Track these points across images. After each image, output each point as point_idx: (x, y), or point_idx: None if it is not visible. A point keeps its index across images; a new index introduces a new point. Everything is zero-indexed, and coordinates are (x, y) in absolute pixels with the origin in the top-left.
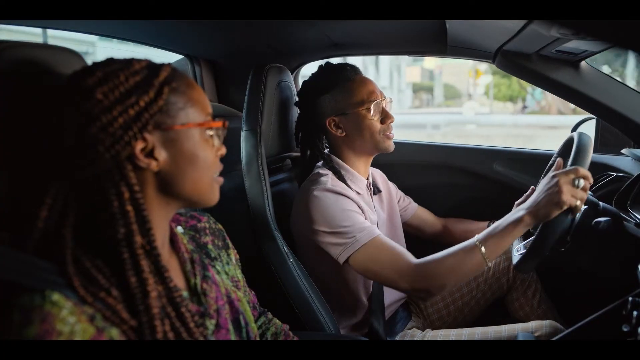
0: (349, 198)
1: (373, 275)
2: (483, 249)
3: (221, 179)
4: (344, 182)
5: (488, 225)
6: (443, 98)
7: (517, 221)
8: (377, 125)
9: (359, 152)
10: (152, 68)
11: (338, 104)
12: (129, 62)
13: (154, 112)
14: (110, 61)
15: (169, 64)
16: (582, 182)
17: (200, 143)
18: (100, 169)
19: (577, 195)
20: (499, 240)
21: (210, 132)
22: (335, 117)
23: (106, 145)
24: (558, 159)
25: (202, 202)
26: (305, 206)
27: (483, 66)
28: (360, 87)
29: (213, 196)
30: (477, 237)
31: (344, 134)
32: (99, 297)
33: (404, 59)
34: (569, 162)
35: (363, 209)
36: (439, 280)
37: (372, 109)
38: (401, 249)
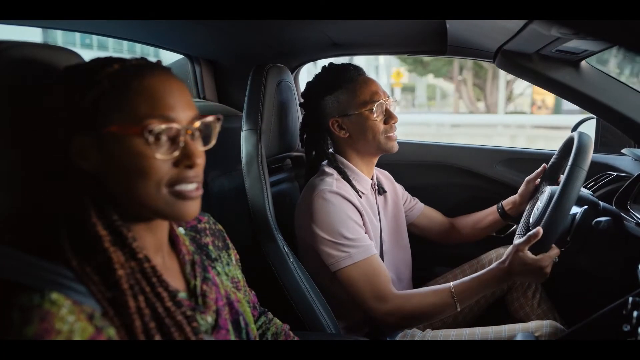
0: (352, 204)
1: (354, 291)
2: (456, 296)
3: (197, 192)
4: (349, 182)
5: (498, 209)
6: (426, 99)
7: (495, 281)
8: (380, 126)
9: (363, 153)
10: (100, 64)
11: (341, 105)
12: (92, 60)
13: (82, 110)
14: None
15: (121, 60)
16: (556, 257)
17: (137, 149)
18: (55, 165)
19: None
20: (473, 292)
21: (155, 135)
22: (338, 118)
23: (51, 143)
24: (538, 228)
25: (163, 215)
26: (309, 205)
27: (406, 67)
28: (363, 88)
29: (172, 211)
30: (454, 283)
31: (347, 134)
32: (85, 272)
33: (385, 58)
34: (570, 162)
35: (364, 216)
36: (409, 316)
37: (374, 110)
38: (387, 275)
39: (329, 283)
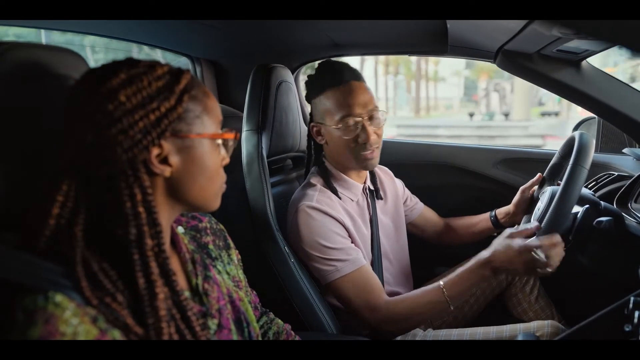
0: (333, 218)
1: (346, 303)
2: (446, 293)
3: (225, 187)
4: (335, 191)
5: (490, 217)
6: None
7: (482, 276)
8: (351, 145)
9: (342, 163)
10: (174, 74)
11: (319, 112)
12: (152, 66)
13: (173, 119)
14: (132, 63)
15: (188, 71)
16: (543, 256)
17: (210, 152)
18: (115, 169)
19: (537, 265)
20: (462, 289)
21: (219, 141)
22: (316, 124)
23: (124, 147)
24: (535, 223)
25: (205, 208)
26: (292, 222)
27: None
28: (341, 100)
29: (216, 203)
30: (443, 281)
31: (324, 142)
32: (104, 302)
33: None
34: (571, 161)
35: (349, 227)
36: (403, 322)
37: (342, 127)
38: (378, 284)
39: (324, 291)
